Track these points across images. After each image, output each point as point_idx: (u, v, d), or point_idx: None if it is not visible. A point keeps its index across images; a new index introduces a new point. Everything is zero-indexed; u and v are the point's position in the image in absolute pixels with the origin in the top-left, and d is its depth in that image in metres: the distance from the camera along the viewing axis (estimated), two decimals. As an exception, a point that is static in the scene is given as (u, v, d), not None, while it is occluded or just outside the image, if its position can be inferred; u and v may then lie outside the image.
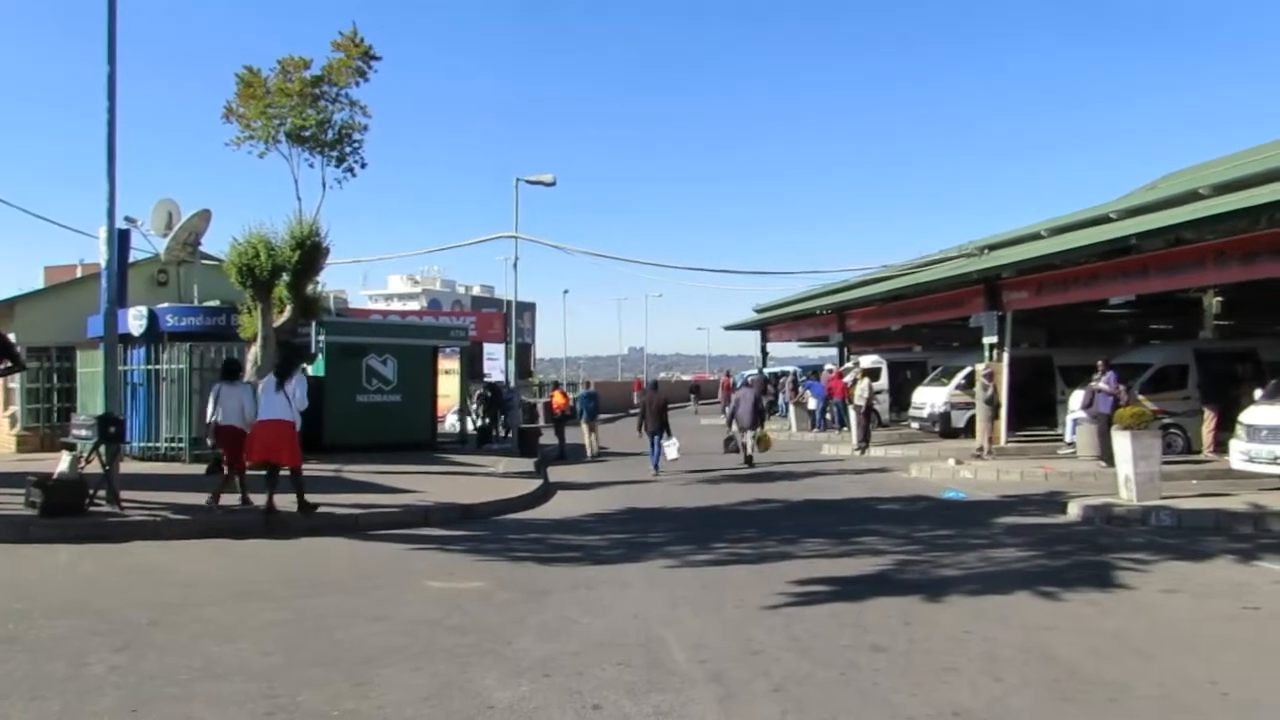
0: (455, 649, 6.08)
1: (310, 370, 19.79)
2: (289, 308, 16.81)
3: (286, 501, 11.01)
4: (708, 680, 5.43)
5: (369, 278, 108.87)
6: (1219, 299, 21.65)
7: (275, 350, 15.72)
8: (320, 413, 17.14)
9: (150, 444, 17.20)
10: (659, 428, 18.81)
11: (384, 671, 5.56)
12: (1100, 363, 17.52)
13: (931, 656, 5.92)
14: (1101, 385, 16.87)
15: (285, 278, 16.36)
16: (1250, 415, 13.91)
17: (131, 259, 18.84)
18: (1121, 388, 16.71)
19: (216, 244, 20.60)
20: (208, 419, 11.81)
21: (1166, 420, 17.57)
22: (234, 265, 15.70)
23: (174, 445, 17.01)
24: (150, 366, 17.29)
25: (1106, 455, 15.61)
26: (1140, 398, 16.97)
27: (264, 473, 11.19)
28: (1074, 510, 12.44)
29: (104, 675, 5.44)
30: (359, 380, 19.81)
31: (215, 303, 19.50)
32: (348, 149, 18.34)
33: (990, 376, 20.03)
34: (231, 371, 12.11)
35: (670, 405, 21.34)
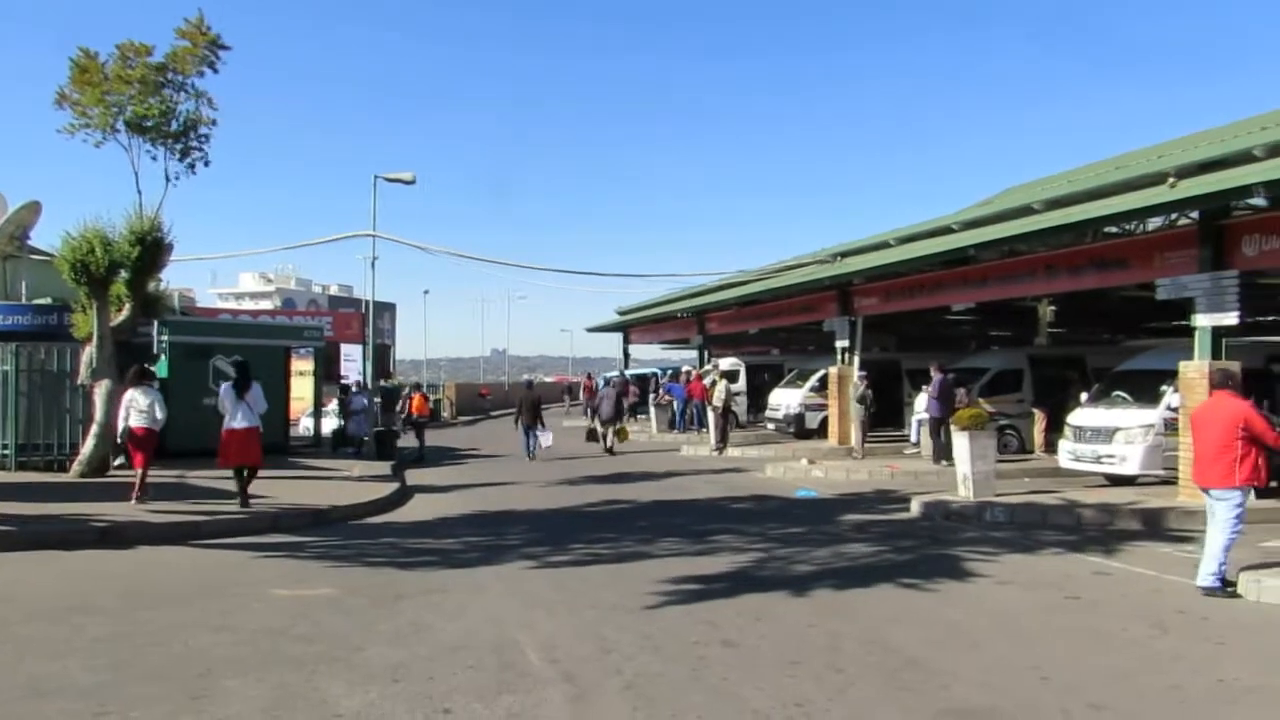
0: (301, 658, 5.91)
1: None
2: (128, 306, 15.93)
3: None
4: (560, 680, 5.46)
5: (219, 276, 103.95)
6: (1052, 308, 23.13)
7: (113, 350, 14.91)
8: (163, 416, 16.30)
9: (-29, 451, 16.02)
10: (533, 421, 21.77)
11: (224, 684, 5.36)
12: (932, 367, 18.30)
13: (779, 651, 6.10)
14: (929, 390, 17.73)
15: (124, 275, 15.50)
16: (1076, 417, 14.90)
17: (-49, 252, 17.66)
18: (962, 391, 17.54)
19: (48, 238, 19.40)
20: (120, 422, 12.29)
21: (1003, 422, 18.61)
22: (66, 261, 14.75)
23: (-2, 452, 15.90)
24: (-29, 368, 16.11)
25: (946, 455, 16.40)
26: (979, 400, 17.87)
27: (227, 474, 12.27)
28: (916, 507, 13.00)
29: (-90, 698, 5.07)
30: (205, 382, 18.90)
31: (46, 300, 18.34)
32: (193, 142, 17.51)
33: (865, 377, 20.68)
34: (143, 376, 12.64)
35: (544, 405, 24.22)
